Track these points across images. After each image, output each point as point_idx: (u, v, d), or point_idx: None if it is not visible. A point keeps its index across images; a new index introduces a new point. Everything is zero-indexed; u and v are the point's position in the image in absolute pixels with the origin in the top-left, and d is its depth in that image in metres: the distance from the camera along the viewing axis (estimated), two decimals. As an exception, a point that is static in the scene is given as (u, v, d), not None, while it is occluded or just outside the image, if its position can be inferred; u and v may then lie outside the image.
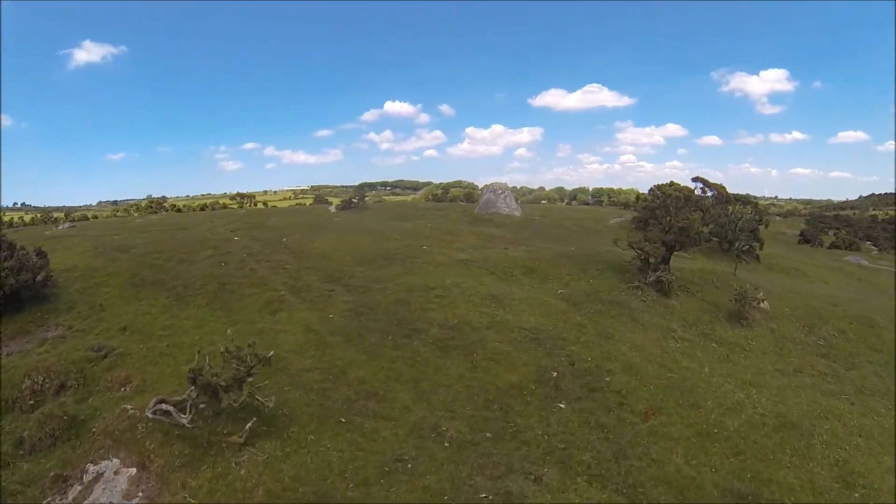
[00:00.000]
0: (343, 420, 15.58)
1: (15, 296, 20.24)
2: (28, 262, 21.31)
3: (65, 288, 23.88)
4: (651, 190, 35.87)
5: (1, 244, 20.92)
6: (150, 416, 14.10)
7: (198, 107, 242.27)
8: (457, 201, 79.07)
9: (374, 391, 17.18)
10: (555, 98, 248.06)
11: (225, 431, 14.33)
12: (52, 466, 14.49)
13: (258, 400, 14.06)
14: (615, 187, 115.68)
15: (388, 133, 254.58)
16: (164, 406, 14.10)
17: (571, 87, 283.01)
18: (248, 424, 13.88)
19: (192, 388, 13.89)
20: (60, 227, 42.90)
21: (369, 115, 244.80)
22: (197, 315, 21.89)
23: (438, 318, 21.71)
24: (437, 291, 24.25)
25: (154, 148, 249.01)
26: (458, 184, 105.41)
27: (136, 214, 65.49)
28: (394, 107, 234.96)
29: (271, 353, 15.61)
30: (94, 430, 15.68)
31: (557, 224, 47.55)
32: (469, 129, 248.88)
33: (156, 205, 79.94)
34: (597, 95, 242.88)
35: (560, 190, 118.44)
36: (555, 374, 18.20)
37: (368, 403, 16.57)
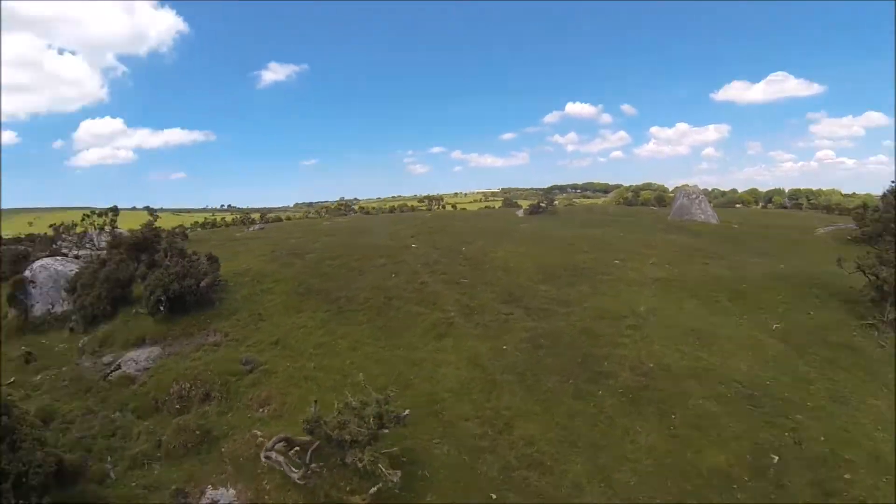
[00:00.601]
0: (493, 497, 11.50)
1: (179, 299, 20.67)
2: (197, 267, 21.85)
3: (233, 293, 24.29)
4: (884, 196, 26.42)
5: (171, 251, 21.71)
6: (264, 459, 11.69)
7: (381, 114, 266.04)
8: (648, 205, 71.03)
9: (541, 458, 12.82)
10: (738, 91, 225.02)
11: (348, 488, 11.37)
12: (177, 479, 13.86)
13: (381, 469, 10.68)
14: (814, 188, 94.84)
15: (572, 135, 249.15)
16: (278, 451, 11.59)
17: (754, 78, 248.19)
18: (374, 488, 10.59)
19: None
20: (251, 229, 44.58)
21: (551, 118, 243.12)
22: (354, 334, 20.07)
23: (630, 359, 16.72)
24: (629, 321, 19.26)
25: (344, 153, 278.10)
26: (647, 186, 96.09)
27: (325, 217, 66.31)
28: (575, 108, 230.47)
29: (406, 412, 12.36)
30: (223, 449, 14.76)
31: (758, 233, 38.40)
32: (653, 129, 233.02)
33: (345, 207, 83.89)
34: (782, 85, 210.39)
35: (754, 192, 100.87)
36: (776, 458, 12.81)
37: (531, 475, 12.27)
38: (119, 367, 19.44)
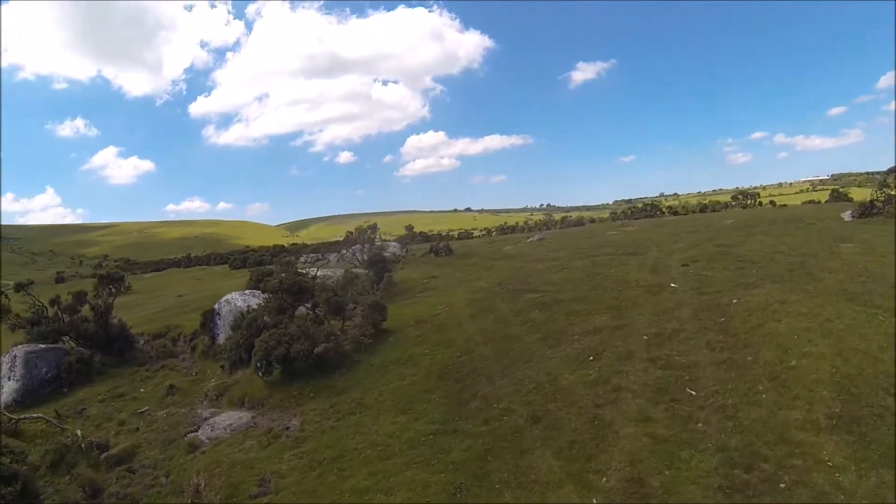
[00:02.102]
0: None
1: (288, 362, 15.95)
2: (322, 327, 16.92)
3: (382, 353, 17.66)
4: None
5: (324, 300, 17.65)
6: None
7: (695, 104, 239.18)
8: None
9: None
10: None
11: None
12: None
13: None
14: None
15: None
16: None
17: None
18: None
19: None
20: (529, 240, 36.75)
21: (886, 80, 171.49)
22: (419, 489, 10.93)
23: None
24: None
25: (660, 147, 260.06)
26: None
27: (617, 222, 53.94)
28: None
29: None
30: None
31: None
32: None
33: (651, 207, 71.41)
34: None
35: None
36: None
37: None
38: (198, 427, 15.70)
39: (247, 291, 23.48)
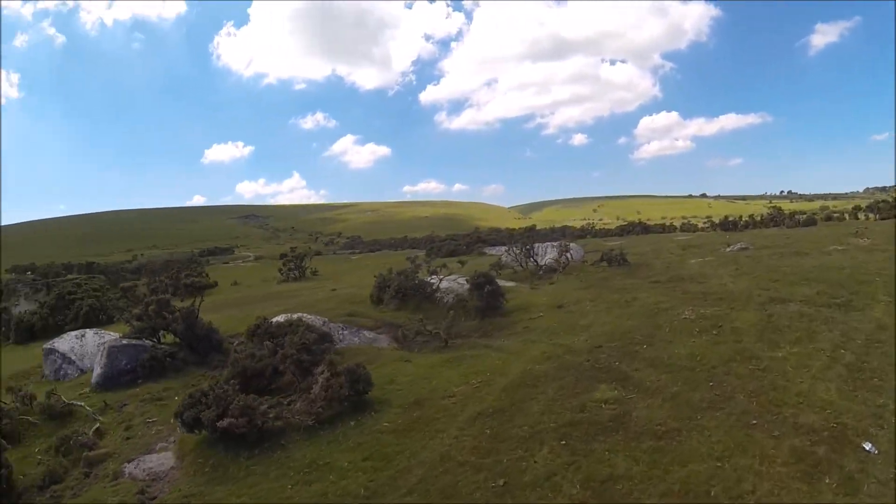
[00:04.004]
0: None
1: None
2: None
3: (338, 438, 12.61)
4: None
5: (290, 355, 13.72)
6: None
7: None
8: None
9: None
10: None
11: None
12: None
13: None
14: None
15: None
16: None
17: None
18: None
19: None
20: (729, 249, 28.69)
21: None
22: None
23: None
24: None
25: None
26: None
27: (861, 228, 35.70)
28: None
29: None
30: None
31: None
32: None
33: None
34: None
35: None
36: None
37: None
38: (133, 459, 13.59)
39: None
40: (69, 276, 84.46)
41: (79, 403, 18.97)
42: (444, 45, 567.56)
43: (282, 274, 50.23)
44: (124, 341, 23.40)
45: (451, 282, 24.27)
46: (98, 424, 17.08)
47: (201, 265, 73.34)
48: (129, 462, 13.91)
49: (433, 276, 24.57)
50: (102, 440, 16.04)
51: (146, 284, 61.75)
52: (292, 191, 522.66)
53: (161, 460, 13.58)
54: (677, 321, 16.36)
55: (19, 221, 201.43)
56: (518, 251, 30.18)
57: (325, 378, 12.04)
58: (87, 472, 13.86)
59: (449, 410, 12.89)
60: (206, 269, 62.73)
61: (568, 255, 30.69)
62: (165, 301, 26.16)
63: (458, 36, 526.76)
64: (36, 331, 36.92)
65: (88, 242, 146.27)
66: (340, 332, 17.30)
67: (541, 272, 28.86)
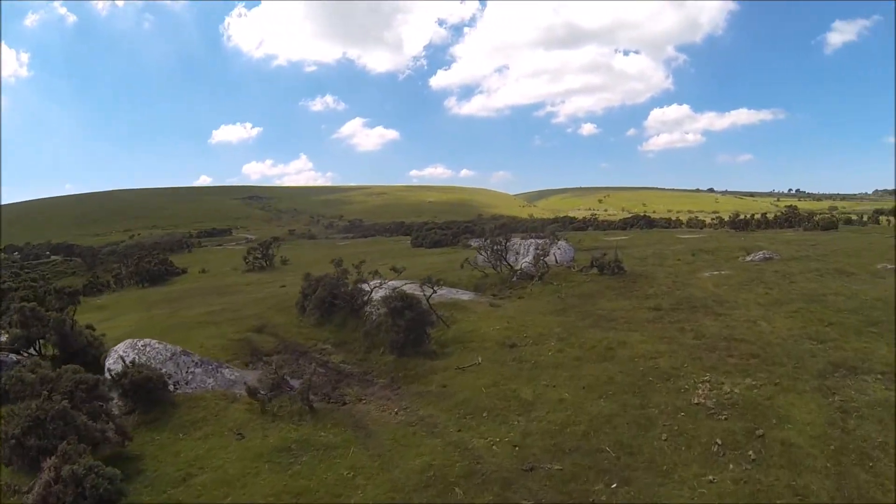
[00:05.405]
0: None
1: None
2: None
3: None
4: None
5: None
6: None
7: None
8: None
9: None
10: None
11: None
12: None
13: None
14: None
15: None
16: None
17: None
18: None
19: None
20: (750, 258, 24.74)
21: None
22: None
23: None
24: None
25: None
26: None
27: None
28: None
29: None
30: None
31: None
32: None
33: None
34: None
35: None
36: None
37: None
38: None
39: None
40: (52, 258, 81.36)
41: None
42: (457, 30, 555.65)
43: (247, 263, 45.53)
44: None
45: (393, 290, 19.03)
46: None
47: (174, 251, 69.18)
48: None
49: (364, 284, 19.32)
50: None
51: (110, 272, 57.64)
52: (299, 172, 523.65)
53: None
54: (684, 412, 10.17)
55: (24, 200, 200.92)
56: (488, 251, 23.96)
57: (49, 479, 6.93)
58: None
59: None
60: (172, 256, 58.36)
61: (551, 256, 25.09)
62: (32, 308, 21.26)
63: (472, 21, 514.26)
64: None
65: (88, 221, 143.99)
66: (192, 369, 12.19)
67: (514, 278, 23.29)
